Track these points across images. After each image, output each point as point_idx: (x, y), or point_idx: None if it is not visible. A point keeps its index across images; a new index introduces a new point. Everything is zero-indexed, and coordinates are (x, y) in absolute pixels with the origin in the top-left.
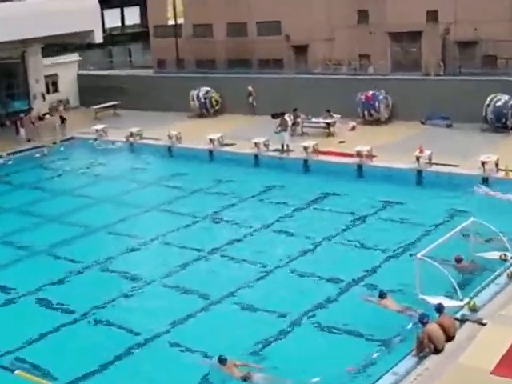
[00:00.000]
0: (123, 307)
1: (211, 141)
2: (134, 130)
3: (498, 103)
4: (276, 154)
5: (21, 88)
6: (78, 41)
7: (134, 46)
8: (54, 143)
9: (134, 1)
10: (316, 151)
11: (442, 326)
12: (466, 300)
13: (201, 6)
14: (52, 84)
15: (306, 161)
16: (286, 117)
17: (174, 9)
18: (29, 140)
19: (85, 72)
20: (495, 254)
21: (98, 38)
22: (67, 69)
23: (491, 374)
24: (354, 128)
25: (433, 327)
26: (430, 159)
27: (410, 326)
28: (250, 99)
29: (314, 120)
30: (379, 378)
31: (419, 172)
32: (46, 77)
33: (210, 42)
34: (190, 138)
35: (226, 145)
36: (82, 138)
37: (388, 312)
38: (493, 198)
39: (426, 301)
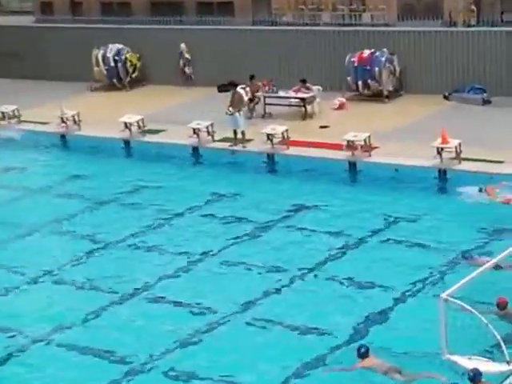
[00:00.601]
0: None
1: (127, 126)
2: (8, 109)
3: None
4: (225, 145)
5: None
6: None
7: None
8: None
9: None
10: (286, 141)
11: None
12: None
13: None
14: None
15: (270, 156)
16: (240, 89)
17: None
18: None
19: None
20: None
21: None
22: None
23: None
24: (342, 106)
25: None
26: (457, 152)
27: None
28: (182, 63)
29: (282, 94)
30: None
31: (442, 172)
32: None
33: None
34: (95, 122)
35: (150, 132)
36: None
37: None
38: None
39: (454, 363)
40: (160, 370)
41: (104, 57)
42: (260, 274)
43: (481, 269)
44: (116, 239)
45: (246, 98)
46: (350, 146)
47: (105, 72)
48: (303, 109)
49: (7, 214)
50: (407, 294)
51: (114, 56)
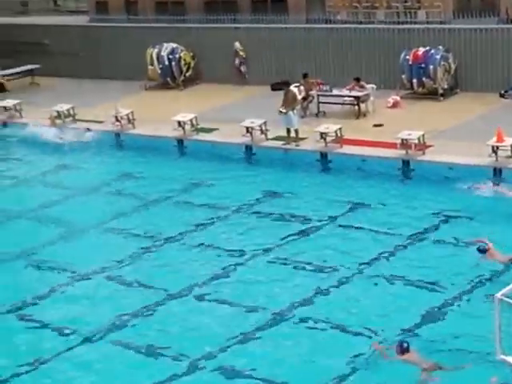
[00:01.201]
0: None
1: (180, 124)
2: (63, 107)
3: None
4: (279, 144)
5: None
6: None
7: None
8: None
9: None
10: (339, 140)
11: None
12: None
13: None
14: None
15: (324, 154)
16: (294, 88)
17: None
18: None
19: None
20: None
21: None
22: None
23: None
24: (396, 104)
25: None
26: None
27: None
28: (238, 61)
29: (335, 93)
30: None
31: (497, 171)
32: None
33: None
34: (149, 121)
35: (203, 131)
36: None
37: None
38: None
39: (508, 363)
40: (210, 368)
41: (158, 55)
42: (311, 273)
43: None
44: (168, 237)
45: (299, 97)
46: (404, 144)
47: (159, 71)
48: (357, 107)
49: (61, 212)
50: (462, 293)
51: (169, 55)
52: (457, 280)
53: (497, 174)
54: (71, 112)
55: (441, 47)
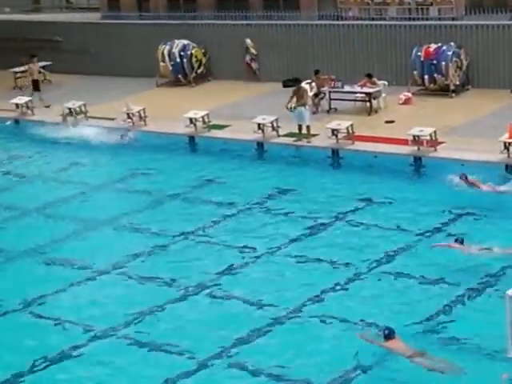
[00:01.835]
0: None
1: (192, 121)
2: (75, 104)
3: None
4: (290, 140)
5: None
6: None
7: None
8: None
9: None
10: (351, 136)
11: None
12: None
13: None
14: None
15: (335, 151)
16: (305, 85)
17: None
18: None
19: None
20: None
21: None
22: None
23: None
24: (408, 101)
25: None
26: None
27: None
28: (248, 58)
29: (347, 89)
30: None
31: (510, 168)
32: None
33: None
34: (160, 117)
35: (214, 127)
36: None
37: None
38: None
39: None
40: (223, 365)
41: (170, 52)
42: (321, 269)
43: None
44: (179, 234)
45: (310, 93)
46: (416, 140)
47: (170, 68)
48: (368, 104)
49: (72, 209)
50: (473, 290)
51: (180, 51)
52: (467, 277)
53: (509, 170)
54: (83, 109)
55: (452, 44)
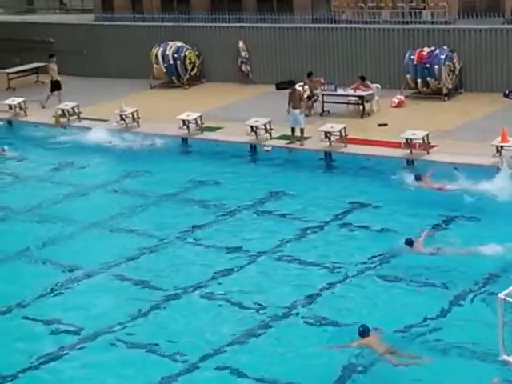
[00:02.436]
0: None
1: (185, 123)
2: (68, 106)
3: None
4: (283, 143)
5: None
6: None
7: None
8: None
9: None
10: (344, 139)
11: None
12: None
13: None
14: None
15: (328, 154)
16: (299, 87)
17: None
18: None
19: None
20: None
21: None
22: None
23: None
24: (400, 104)
25: None
26: None
27: None
28: (239, 61)
29: (340, 92)
30: None
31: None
32: None
33: None
34: (154, 119)
35: (208, 129)
36: None
37: None
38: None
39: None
40: (214, 366)
41: (163, 54)
42: (313, 271)
43: None
44: (173, 236)
45: (304, 96)
46: (409, 144)
47: (164, 69)
48: (361, 107)
49: (67, 210)
50: (463, 292)
51: (174, 53)
52: (460, 280)
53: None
54: (76, 110)
55: (446, 47)
